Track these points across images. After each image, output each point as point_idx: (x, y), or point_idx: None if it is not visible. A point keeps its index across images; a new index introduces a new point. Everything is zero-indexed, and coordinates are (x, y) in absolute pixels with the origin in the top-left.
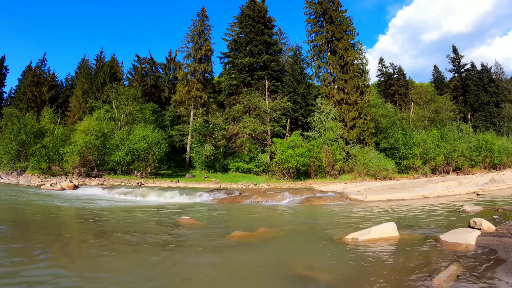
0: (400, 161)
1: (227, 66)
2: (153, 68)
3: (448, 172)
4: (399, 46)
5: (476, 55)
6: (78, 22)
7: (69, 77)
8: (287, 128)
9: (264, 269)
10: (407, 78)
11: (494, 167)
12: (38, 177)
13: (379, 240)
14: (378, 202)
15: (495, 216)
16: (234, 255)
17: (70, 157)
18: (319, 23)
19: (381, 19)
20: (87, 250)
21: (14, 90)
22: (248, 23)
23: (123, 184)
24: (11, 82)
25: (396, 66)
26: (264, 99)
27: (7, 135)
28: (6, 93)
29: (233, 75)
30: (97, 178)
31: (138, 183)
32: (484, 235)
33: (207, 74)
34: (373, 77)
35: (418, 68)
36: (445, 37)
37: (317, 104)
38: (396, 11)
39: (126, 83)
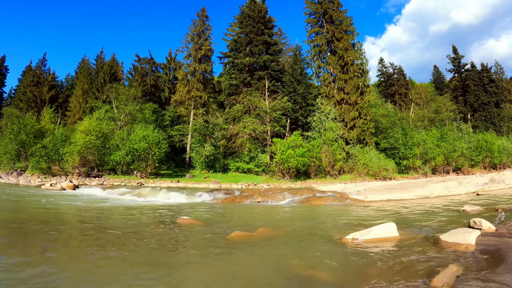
0: (400, 161)
1: (227, 66)
2: (153, 68)
3: (448, 172)
4: (407, 37)
5: (484, 49)
6: (78, 22)
7: (69, 77)
8: (287, 128)
9: (264, 269)
10: (407, 78)
11: (494, 167)
12: (38, 177)
13: (379, 240)
14: (378, 202)
15: (495, 216)
16: (234, 255)
17: (70, 157)
18: (319, 23)
19: (390, 8)
20: (86, 250)
21: (14, 90)
22: (248, 23)
23: (123, 184)
24: (11, 82)
25: (396, 66)
26: (264, 99)
27: (7, 135)
28: (6, 93)
29: (233, 75)
30: (97, 178)
31: (138, 183)
32: (484, 235)
33: (207, 74)
34: (373, 77)
35: (425, 62)
36: (454, 29)
37: (317, 104)
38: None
39: (126, 83)
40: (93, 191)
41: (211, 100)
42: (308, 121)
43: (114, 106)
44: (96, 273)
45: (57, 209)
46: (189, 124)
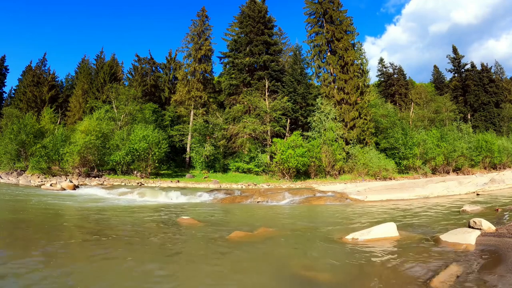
0: (400, 161)
1: (227, 66)
2: (153, 68)
3: (448, 172)
4: (407, 37)
5: (484, 49)
6: (78, 22)
7: (69, 77)
8: (287, 128)
9: (264, 269)
10: (407, 78)
11: (494, 167)
12: (38, 177)
13: (379, 240)
14: (378, 202)
15: (495, 216)
16: (234, 255)
17: (70, 157)
18: (319, 23)
19: (390, 8)
20: (86, 250)
21: (14, 90)
22: (248, 23)
23: (123, 184)
24: (11, 82)
25: (396, 66)
26: (264, 99)
27: (7, 135)
28: (6, 93)
29: (233, 75)
30: (97, 178)
31: (138, 183)
32: (484, 235)
33: (207, 74)
34: (373, 77)
35: (425, 62)
36: (454, 29)
37: (317, 104)
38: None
39: (126, 83)
40: (93, 191)
41: (211, 100)
42: (308, 121)
43: (114, 106)
44: (95, 273)
45: (57, 209)
46: (189, 124)
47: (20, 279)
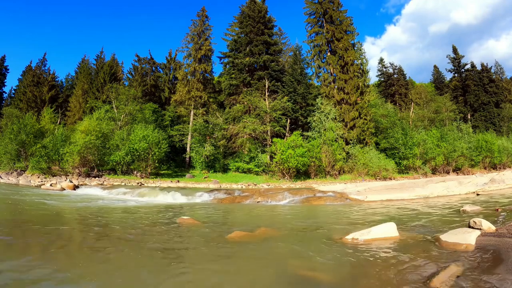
0: (400, 161)
1: (227, 66)
2: (153, 68)
3: (448, 172)
4: (407, 37)
5: (484, 49)
6: (78, 22)
7: (69, 77)
8: (287, 128)
9: (264, 269)
10: (407, 78)
11: (494, 167)
12: (38, 177)
13: (379, 240)
14: (378, 202)
15: (495, 216)
16: (234, 255)
17: (70, 157)
18: (319, 23)
19: (390, 8)
20: (86, 250)
21: (14, 90)
22: (248, 23)
23: (123, 184)
24: (11, 82)
25: (396, 66)
26: (264, 99)
27: (7, 135)
28: (6, 93)
29: (233, 75)
30: (97, 178)
31: (138, 183)
32: (484, 235)
33: (207, 74)
34: (373, 77)
35: (425, 62)
36: (454, 29)
37: (317, 104)
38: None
39: (126, 83)
40: (93, 191)
41: (211, 100)
42: (308, 121)
43: (114, 106)
44: (96, 273)
45: (57, 209)
46: (189, 124)
47: (19, 279)
